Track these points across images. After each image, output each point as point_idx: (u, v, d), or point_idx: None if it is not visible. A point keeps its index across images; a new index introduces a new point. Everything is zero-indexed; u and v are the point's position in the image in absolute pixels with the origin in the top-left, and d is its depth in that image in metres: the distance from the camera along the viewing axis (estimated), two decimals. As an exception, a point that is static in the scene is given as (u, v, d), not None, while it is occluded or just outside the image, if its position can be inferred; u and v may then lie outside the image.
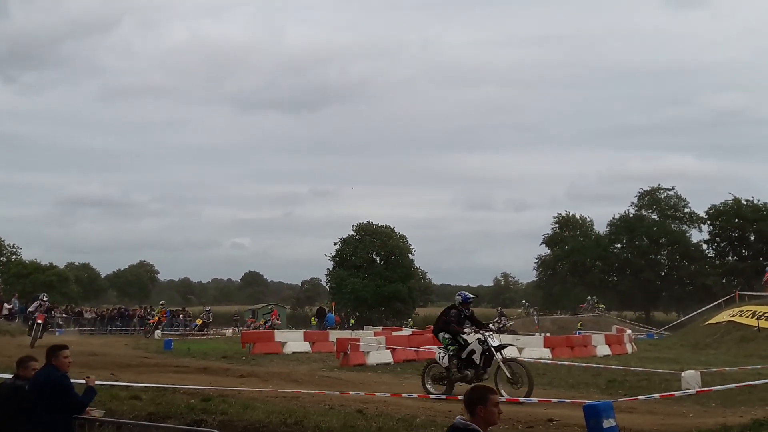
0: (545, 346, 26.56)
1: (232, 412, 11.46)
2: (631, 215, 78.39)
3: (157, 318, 41.06)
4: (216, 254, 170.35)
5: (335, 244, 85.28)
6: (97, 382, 12.33)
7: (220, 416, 11.17)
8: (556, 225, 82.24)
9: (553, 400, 13.56)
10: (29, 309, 30.48)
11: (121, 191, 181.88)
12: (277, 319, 46.74)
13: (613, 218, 79.54)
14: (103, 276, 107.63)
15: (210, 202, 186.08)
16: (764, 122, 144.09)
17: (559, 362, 21.74)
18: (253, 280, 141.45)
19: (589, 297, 66.59)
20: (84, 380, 8.59)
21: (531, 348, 26.24)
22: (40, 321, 26.13)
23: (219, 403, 12.35)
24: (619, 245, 78.98)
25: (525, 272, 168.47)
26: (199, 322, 45.76)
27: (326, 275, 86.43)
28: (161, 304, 46.07)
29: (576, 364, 20.86)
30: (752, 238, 72.66)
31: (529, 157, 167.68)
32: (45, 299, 28.11)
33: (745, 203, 72.89)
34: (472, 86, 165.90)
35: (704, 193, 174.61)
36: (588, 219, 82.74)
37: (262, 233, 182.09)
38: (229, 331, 47.36)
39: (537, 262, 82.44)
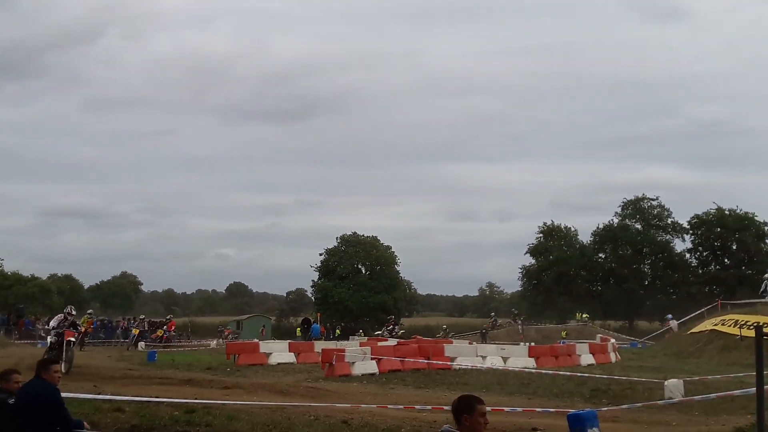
0: (530, 356, 26.63)
1: (216, 424, 11.43)
2: (615, 225, 78.81)
3: (84, 329, 35.13)
4: (200, 265, 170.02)
5: (320, 254, 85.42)
6: (80, 395, 12.33)
7: (204, 428, 11.14)
8: (541, 235, 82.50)
9: (538, 409, 13.60)
10: (51, 324, 24.37)
11: (105, 202, 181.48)
12: (172, 331, 46.07)
13: (597, 228, 80.00)
14: (86, 287, 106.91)
15: (194, 213, 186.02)
16: (746, 133, 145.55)
17: (543, 371, 21.80)
18: (238, 290, 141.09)
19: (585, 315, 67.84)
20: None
21: (516, 357, 26.31)
22: (71, 338, 22.03)
23: (203, 415, 12.30)
24: (603, 255, 79.37)
25: (510, 282, 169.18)
26: (159, 333, 43.31)
27: (311, 286, 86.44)
28: (89, 314, 41.75)
29: (560, 373, 20.92)
30: (734, 247, 73.28)
31: (514, 167, 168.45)
32: (72, 312, 23.41)
33: (727, 213, 73.51)
34: (458, 97, 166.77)
35: (687, 203, 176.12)
36: (572, 229, 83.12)
37: (247, 244, 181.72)
38: (213, 342, 47.17)
39: (522, 272, 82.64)
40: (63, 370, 19.72)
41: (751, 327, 29.34)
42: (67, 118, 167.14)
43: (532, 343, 36.70)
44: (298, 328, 60.74)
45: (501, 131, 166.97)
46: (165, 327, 45.14)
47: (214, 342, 47.54)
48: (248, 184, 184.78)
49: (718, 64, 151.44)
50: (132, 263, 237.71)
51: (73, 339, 21.90)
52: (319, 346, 29.46)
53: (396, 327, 43.44)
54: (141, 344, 39.18)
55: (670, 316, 52.69)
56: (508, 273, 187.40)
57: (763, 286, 44.51)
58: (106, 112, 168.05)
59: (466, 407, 5.38)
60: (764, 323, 28.15)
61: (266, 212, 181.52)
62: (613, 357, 30.35)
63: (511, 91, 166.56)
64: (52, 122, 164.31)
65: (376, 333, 45.56)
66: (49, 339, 22.76)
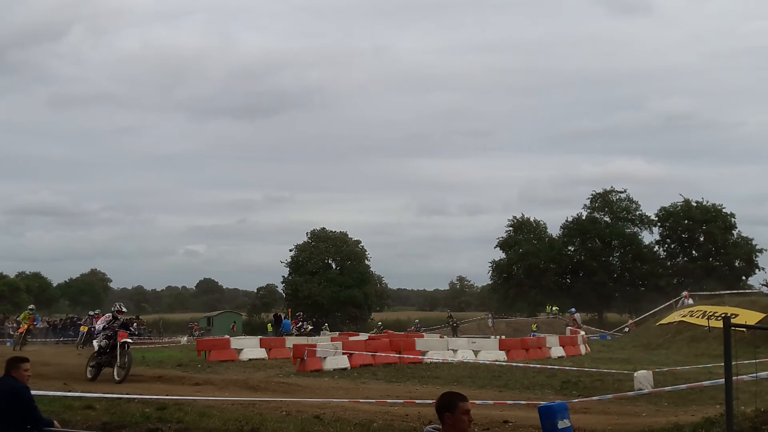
0: (500, 349, 26.79)
1: (188, 420, 11.36)
2: (584, 218, 79.38)
3: (25, 326, 33.83)
4: (170, 262, 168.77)
5: (290, 250, 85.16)
6: (50, 393, 12.20)
7: (176, 425, 11.06)
8: (510, 228, 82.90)
9: (509, 401, 13.69)
10: (97, 326, 24.18)
11: (72, 200, 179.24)
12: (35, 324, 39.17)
13: (566, 221, 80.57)
14: (54, 285, 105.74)
15: (163, 210, 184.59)
16: (712, 126, 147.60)
17: (514, 364, 21.94)
18: (208, 287, 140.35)
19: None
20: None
21: (486, 351, 26.45)
22: (126, 340, 23.79)
23: (175, 411, 12.23)
24: (572, 248, 79.96)
25: (480, 276, 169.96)
26: (84, 329, 37.61)
27: (282, 282, 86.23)
28: (30, 309, 36.11)
29: (531, 365, 21.07)
30: (701, 239, 74.14)
31: (483, 162, 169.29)
32: (123, 309, 24.09)
33: (695, 205, 74.39)
34: (426, 93, 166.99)
35: (654, 196, 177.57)
36: (542, 222, 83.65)
37: (216, 240, 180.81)
38: (184, 339, 46.85)
39: (492, 266, 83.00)
40: (118, 377, 18.44)
41: (719, 318, 29.81)
42: (33, 115, 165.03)
43: (503, 337, 36.93)
44: (270, 324, 60.54)
45: (468, 126, 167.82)
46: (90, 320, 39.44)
47: (185, 339, 47.20)
48: (217, 180, 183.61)
49: (682, 58, 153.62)
50: (101, 261, 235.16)
51: (128, 341, 19.48)
52: (291, 341, 29.38)
53: (304, 323, 44.28)
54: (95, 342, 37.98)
55: (573, 309, 53.26)
56: (478, 267, 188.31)
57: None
58: (73, 110, 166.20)
59: (448, 405, 5.24)
60: (732, 314, 28.63)
61: (235, 208, 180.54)
62: (583, 349, 30.63)
63: (477, 86, 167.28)
64: (17, 120, 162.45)
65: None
66: (96, 343, 20.13)
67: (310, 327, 45.40)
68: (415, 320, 68.92)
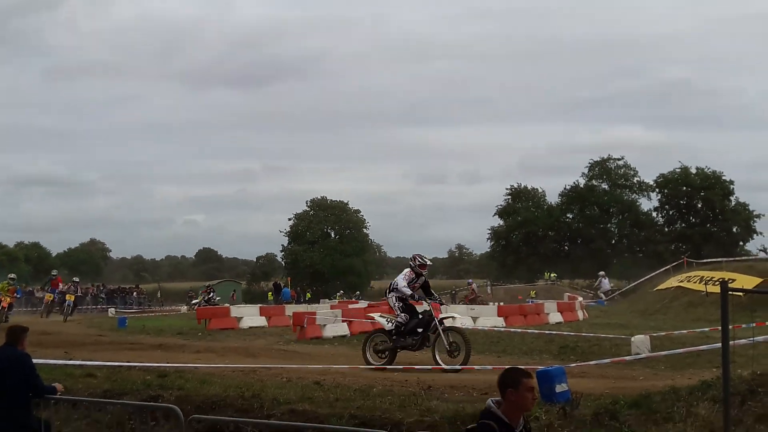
0: (499, 315, 26.92)
1: (189, 388, 11.44)
2: (582, 185, 79.36)
3: (9, 300, 29.60)
4: (169, 231, 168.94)
5: (289, 219, 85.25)
6: (51, 361, 12.28)
7: (177, 392, 11.13)
8: (509, 196, 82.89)
9: (507, 366, 13.77)
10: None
11: (70, 170, 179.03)
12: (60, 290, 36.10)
13: (565, 189, 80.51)
14: (53, 255, 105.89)
15: (162, 180, 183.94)
16: (711, 92, 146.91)
17: (512, 330, 22.07)
18: (207, 256, 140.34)
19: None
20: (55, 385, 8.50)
21: (485, 317, 26.57)
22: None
23: (175, 378, 12.30)
24: (570, 215, 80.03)
25: (479, 244, 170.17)
26: (71, 298, 34.28)
27: (281, 251, 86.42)
28: (10, 279, 31.38)
29: (529, 331, 21.23)
30: (699, 205, 74.14)
31: (481, 130, 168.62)
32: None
33: (693, 172, 74.31)
34: (424, 61, 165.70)
35: (653, 163, 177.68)
36: (540, 190, 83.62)
37: (215, 210, 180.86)
38: (183, 308, 47.06)
39: (490, 234, 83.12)
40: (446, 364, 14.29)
41: (717, 283, 29.93)
42: (30, 85, 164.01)
43: (501, 303, 37.08)
44: (270, 293, 60.76)
45: (466, 95, 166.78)
46: (48, 286, 37.12)
47: (185, 307, 47.38)
48: (215, 150, 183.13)
49: (682, 25, 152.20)
50: (100, 231, 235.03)
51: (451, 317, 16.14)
52: (290, 309, 29.51)
53: (213, 294, 43.74)
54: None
55: (470, 281, 53.12)
56: (477, 235, 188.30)
57: (597, 281, 45.38)
58: (70, 80, 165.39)
59: (511, 381, 5.09)
60: (730, 279, 28.72)
61: (234, 178, 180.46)
62: (580, 315, 30.76)
63: (475, 54, 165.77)
64: (14, 90, 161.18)
65: (195, 302, 45.97)
66: (398, 312, 15.41)
67: (217, 298, 45.30)
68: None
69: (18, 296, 34.25)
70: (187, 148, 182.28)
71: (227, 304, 38.57)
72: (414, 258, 15.67)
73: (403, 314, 15.15)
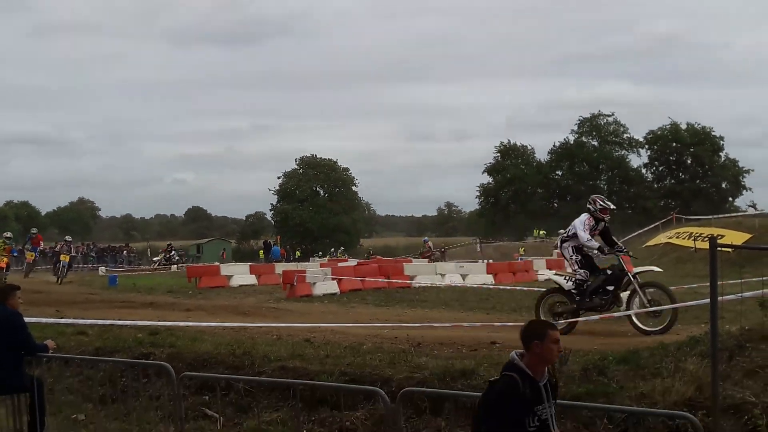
0: (488, 272, 27.07)
1: (180, 345, 11.47)
2: (572, 142, 79.31)
3: (5, 260, 27.49)
4: (158, 190, 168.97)
5: (278, 177, 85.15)
6: (42, 319, 12.28)
7: (168, 349, 11.17)
8: (498, 154, 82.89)
9: (497, 323, 13.89)
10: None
11: (57, 129, 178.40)
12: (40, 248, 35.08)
13: (554, 146, 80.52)
14: (43, 214, 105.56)
15: (149, 139, 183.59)
16: (700, 47, 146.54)
17: (501, 287, 22.19)
18: (196, 215, 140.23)
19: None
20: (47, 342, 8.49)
21: (474, 274, 26.71)
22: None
23: (167, 336, 12.33)
24: (559, 172, 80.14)
25: (468, 201, 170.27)
26: (65, 258, 31.08)
27: (270, 209, 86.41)
28: (6, 238, 28.01)
29: (518, 288, 21.33)
30: (689, 161, 74.34)
31: (469, 87, 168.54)
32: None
33: (683, 128, 74.33)
34: (412, 18, 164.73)
35: (643, 120, 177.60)
36: (529, 147, 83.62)
37: (204, 168, 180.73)
38: (174, 266, 47.07)
39: (479, 191, 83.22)
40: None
41: (706, 239, 30.13)
42: (14, 44, 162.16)
43: (491, 261, 37.23)
44: (261, 251, 60.84)
45: (454, 51, 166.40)
46: (29, 245, 34.21)
47: (175, 266, 47.41)
48: (202, 109, 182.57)
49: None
50: (89, 189, 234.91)
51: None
52: (280, 268, 29.57)
53: (173, 252, 44.46)
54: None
55: (426, 239, 53.28)
56: (466, 192, 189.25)
57: (558, 241, 45.29)
58: (55, 38, 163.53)
59: (538, 333, 4.90)
60: (719, 235, 28.91)
61: (222, 137, 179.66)
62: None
63: (463, 10, 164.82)
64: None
65: (155, 259, 46.12)
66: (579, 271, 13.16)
67: (177, 257, 45.27)
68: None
69: (15, 255, 31.67)
70: (174, 106, 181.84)
71: (217, 263, 38.59)
72: (593, 201, 13.38)
73: (582, 270, 13.02)
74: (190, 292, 24.73)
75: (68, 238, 33.58)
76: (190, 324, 14.41)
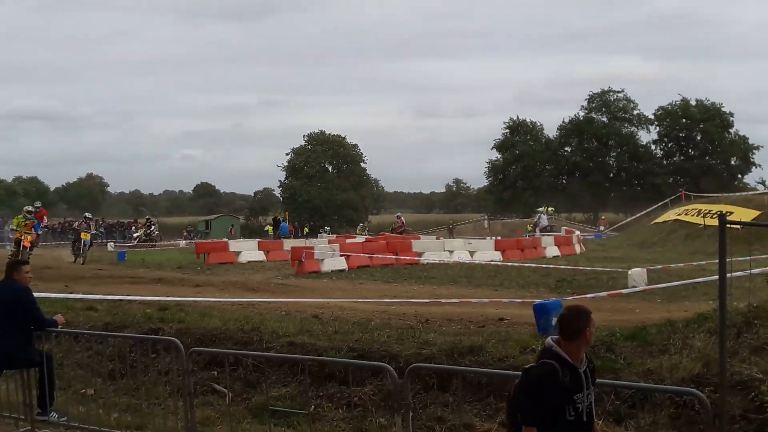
0: (496, 249, 27.06)
1: (189, 321, 11.52)
2: (581, 118, 78.84)
3: (30, 237, 24.70)
4: (166, 166, 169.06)
5: (287, 154, 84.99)
6: (51, 295, 12.34)
7: (177, 325, 11.22)
8: (507, 130, 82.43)
9: (504, 300, 13.91)
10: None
11: (66, 104, 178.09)
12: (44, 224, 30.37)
13: (563, 122, 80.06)
14: (52, 189, 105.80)
15: (158, 115, 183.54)
16: (711, 22, 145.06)
17: (509, 264, 22.19)
18: (205, 191, 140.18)
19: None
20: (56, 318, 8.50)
21: (482, 251, 26.71)
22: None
23: (176, 312, 12.39)
24: (568, 148, 79.73)
25: (476, 178, 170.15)
26: (86, 236, 28.92)
27: (279, 186, 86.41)
28: (27, 213, 25.23)
29: (526, 265, 21.34)
30: (698, 137, 73.83)
31: (478, 63, 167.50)
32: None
33: (693, 104, 73.78)
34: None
35: (653, 96, 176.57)
36: (538, 123, 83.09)
37: (212, 144, 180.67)
38: (182, 242, 47.23)
39: (488, 167, 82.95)
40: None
41: (714, 216, 30.01)
42: (22, 19, 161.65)
43: (499, 237, 37.23)
44: (269, 227, 60.89)
45: (462, 27, 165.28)
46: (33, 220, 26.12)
47: (184, 242, 47.56)
48: (210, 84, 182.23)
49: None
50: (97, 165, 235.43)
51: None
52: (289, 244, 29.62)
53: (153, 227, 44.63)
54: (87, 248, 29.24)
55: (399, 214, 52.59)
56: (474, 169, 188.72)
57: (536, 217, 45.02)
58: (62, 13, 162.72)
59: (586, 320, 4.59)
60: (728, 212, 28.80)
61: (230, 112, 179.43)
62: (578, 249, 30.92)
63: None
64: (5, 24, 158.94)
65: (135, 235, 46.02)
66: None
67: (156, 232, 45.23)
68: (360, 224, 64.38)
69: (38, 233, 27.51)
70: (181, 82, 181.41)
71: (225, 239, 38.65)
72: None
73: None
74: (198, 268, 24.84)
75: (88, 214, 31.95)
76: (199, 300, 14.48)
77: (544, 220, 42.89)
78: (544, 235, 34.00)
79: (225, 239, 38.02)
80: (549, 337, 4.69)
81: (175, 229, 72.68)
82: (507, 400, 4.79)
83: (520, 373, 4.71)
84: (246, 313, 12.67)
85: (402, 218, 47.90)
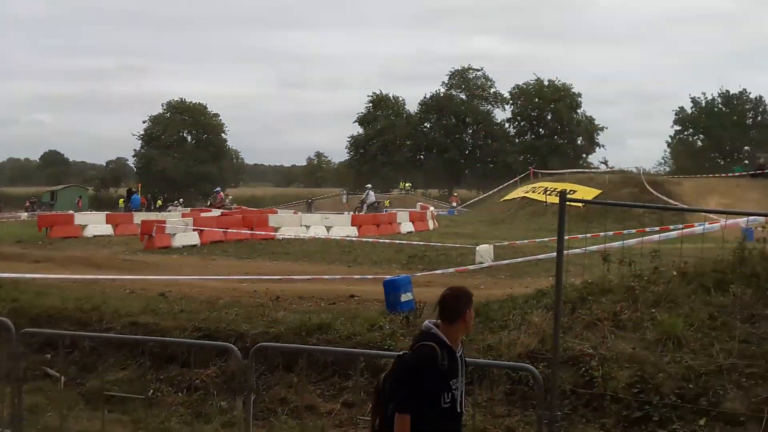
0: (353, 225, 27.18)
1: (23, 299, 10.95)
2: (442, 95, 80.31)
3: None
4: (12, 132, 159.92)
5: (144, 122, 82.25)
6: None
7: (10, 304, 10.64)
8: (370, 104, 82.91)
9: (356, 276, 13.99)
10: None
11: None
12: None
13: (425, 98, 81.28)
14: None
15: (5, 75, 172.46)
16: (568, 5, 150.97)
17: (364, 239, 22.34)
18: (53, 159, 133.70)
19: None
20: None
21: (339, 226, 26.75)
22: None
23: (10, 290, 11.74)
24: (428, 124, 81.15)
25: (338, 152, 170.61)
26: None
27: (133, 156, 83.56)
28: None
29: (380, 240, 21.54)
30: (549, 117, 76.86)
31: (343, 36, 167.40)
32: None
33: (547, 83, 76.61)
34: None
35: (511, 75, 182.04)
36: (401, 99, 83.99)
37: (64, 109, 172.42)
38: (24, 215, 44.82)
39: (349, 142, 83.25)
40: None
41: (558, 194, 31.33)
42: None
43: (356, 212, 37.41)
44: (122, 200, 58.71)
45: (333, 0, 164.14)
46: None
47: (26, 214, 45.14)
48: (67, 46, 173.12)
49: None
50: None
51: None
52: (139, 217, 28.64)
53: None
54: None
55: (218, 189, 53.53)
56: (336, 142, 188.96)
57: (365, 194, 46.75)
58: None
59: (467, 301, 4.51)
60: (570, 190, 30.15)
61: (87, 76, 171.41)
62: (431, 224, 31.53)
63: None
64: None
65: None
66: None
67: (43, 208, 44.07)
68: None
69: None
70: (35, 41, 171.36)
71: (71, 211, 36.94)
72: None
73: None
74: (40, 243, 23.60)
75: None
76: (37, 276, 13.77)
77: (372, 197, 43.44)
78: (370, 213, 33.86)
79: (71, 211, 36.34)
80: (427, 320, 4.56)
81: (19, 200, 68.99)
82: (374, 390, 4.58)
83: (393, 359, 4.55)
84: (87, 291, 12.14)
85: (222, 193, 47.40)
